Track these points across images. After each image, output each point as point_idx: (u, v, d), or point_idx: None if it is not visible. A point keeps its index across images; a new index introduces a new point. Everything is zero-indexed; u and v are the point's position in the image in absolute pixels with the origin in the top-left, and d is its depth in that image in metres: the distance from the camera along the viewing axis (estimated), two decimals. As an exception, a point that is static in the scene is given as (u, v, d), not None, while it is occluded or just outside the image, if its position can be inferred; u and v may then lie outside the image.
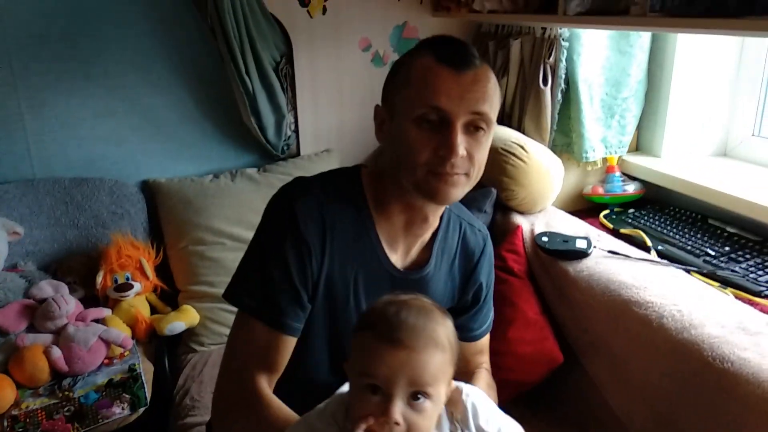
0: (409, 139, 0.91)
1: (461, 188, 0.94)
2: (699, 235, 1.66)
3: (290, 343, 0.99)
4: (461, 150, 0.90)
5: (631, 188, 1.98)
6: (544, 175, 1.80)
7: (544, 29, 1.89)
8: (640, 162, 2.00)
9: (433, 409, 0.80)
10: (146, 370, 1.69)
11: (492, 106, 0.93)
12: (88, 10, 1.93)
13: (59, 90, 1.97)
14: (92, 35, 1.95)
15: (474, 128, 0.92)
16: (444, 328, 0.81)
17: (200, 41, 2.00)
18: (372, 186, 1.03)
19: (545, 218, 1.80)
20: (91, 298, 1.88)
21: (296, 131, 2.21)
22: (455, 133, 0.89)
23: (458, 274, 1.12)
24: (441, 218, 1.08)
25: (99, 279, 1.86)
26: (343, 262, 1.00)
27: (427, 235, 1.07)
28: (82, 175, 2.04)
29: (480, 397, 0.90)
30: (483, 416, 0.88)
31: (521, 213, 1.83)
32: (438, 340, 0.79)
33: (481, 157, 0.94)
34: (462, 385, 0.89)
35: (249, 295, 0.98)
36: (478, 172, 0.95)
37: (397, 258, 1.05)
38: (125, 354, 1.74)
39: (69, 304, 1.73)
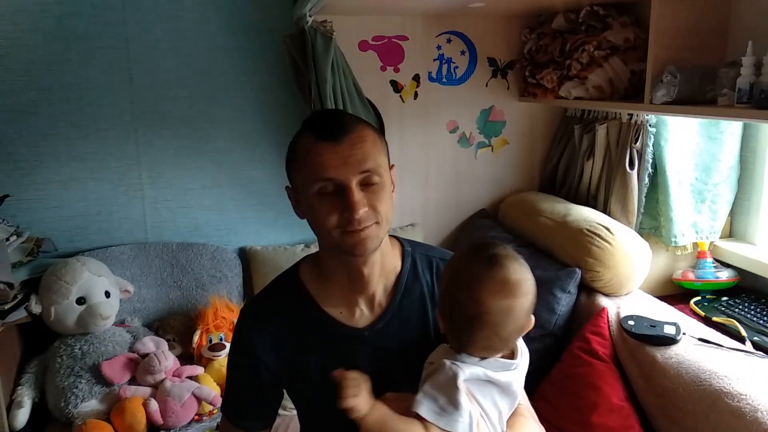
0: (317, 210, 1.00)
1: (375, 237, 1.02)
2: (799, 328, 1.58)
3: None
4: (362, 207, 0.98)
5: (725, 275, 1.92)
6: (630, 257, 1.79)
7: (630, 115, 1.93)
8: (734, 249, 1.94)
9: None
10: (232, 429, 1.77)
11: (376, 159, 1.01)
12: (207, 95, 2.18)
13: (175, 163, 2.20)
14: (208, 117, 2.19)
15: (367, 184, 1.00)
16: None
17: (301, 121, 2.17)
18: (311, 266, 1.14)
19: (632, 301, 1.77)
20: (186, 356, 2.01)
21: (384, 206, 2.32)
22: (352, 194, 0.98)
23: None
24: (403, 263, 1.13)
25: (195, 338, 1.99)
26: (295, 347, 1.10)
27: (380, 285, 1.10)
28: (187, 240, 2.22)
29: None
30: None
31: (606, 295, 1.81)
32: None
33: (384, 204, 1.02)
34: None
35: (224, 399, 1.22)
36: (386, 216, 1.03)
37: (358, 316, 1.10)
38: (214, 412, 1.83)
39: (168, 360, 1.85)
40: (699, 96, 1.48)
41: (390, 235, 1.13)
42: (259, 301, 1.19)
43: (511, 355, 1.02)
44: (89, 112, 2.10)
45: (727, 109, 1.34)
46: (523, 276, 0.97)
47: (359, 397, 0.93)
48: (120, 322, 2.03)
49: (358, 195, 0.98)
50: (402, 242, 1.17)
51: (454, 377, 0.94)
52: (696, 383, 1.36)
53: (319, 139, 1.00)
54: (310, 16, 1.90)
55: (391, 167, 1.09)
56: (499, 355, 1.00)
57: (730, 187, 1.96)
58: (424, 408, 0.94)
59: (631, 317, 1.63)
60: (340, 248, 1.02)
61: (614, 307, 1.73)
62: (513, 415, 1.07)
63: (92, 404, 1.77)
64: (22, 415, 1.73)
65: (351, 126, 1.02)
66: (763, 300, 1.78)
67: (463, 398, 0.94)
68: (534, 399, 1.65)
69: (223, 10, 2.14)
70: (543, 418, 1.61)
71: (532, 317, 1.01)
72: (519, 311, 0.96)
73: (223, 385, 1.87)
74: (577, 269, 1.83)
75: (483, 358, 0.98)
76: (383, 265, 1.10)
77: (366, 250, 1.02)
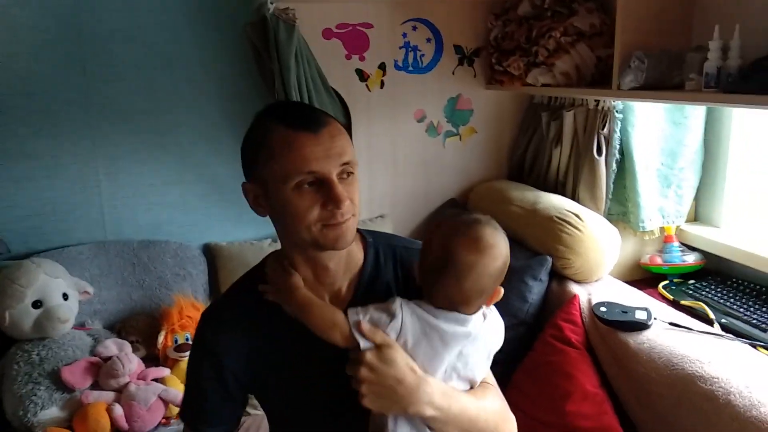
0: (294, 205, 0.95)
1: (353, 229, 1.00)
2: (765, 309, 1.60)
3: None
4: (346, 200, 0.95)
5: (691, 259, 1.94)
6: (600, 243, 1.79)
7: (597, 101, 1.93)
8: (700, 232, 1.96)
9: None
10: (202, 432, 1.72)
11: (351, 152, 0.99)
12: (166, 87, 2.10)
13: (135, 159, 2.12)
14: (168, 110, 2.11)
15: (346, 175, 0.98)
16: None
17: (265, 113, 2.12)
18: (274, 262, 1.08)
19: (602, 288, 1.78)
20: (151, 357, 1.94)
21: (352, 198, 2.28)
22: (336, 186, 0.94)
23: (413, 295, 1.10)
24: (366, 255, 1.10)
25: (160, 339, 1.93)
26: (262, 349, 1.06)
27: (345, 280, 1.08)
28: (149, 238, 2.14)
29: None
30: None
31: (577, 282, 1.82)
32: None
33: (357, 196, 1.00)
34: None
35: (184, 405, 1.17)
36: (358, 209, 1.01)
37: None
38: (182, 414, 1.77)
39: (132, 363, 1.79)
40: (666, 81, 1.49)
41: None
42: (222, 304, 1.13)
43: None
44: (41, 107, 2.00)
45: (695, 94, 1.35)
46: (496, 242, 0.98)
47: (293, 276, 1.00)
48: (80, 325, 1.95)
49: (340, 187, 0.95)
50: (363, 234, 1.13)
51: (396, 300, 0.99)
52: (668, 367, 1.37)
53: (297, 131, 0.94)
54: (271, 3, 1.85)
55: None
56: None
57: (695, 171, 1.98)
58: (354, 311, 0.98)
59: (602, 304, 1.63)
60: (318, 243, 0.98)
61: (585, 294, 1.74)
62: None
63: (53, 412, 1.70)
64: (-22, 426, 1.65)
65: (325, 118, 0.99)
66: (729, 282, 1.81)
67: (398, 310, 0.97)
68: (507, 388, 1.65)
69: (182, -2, 2.06)
70: (517, 408, 1.59)
71: (500, 290, 1.01)
72: (483, 271, 0.96)
73: (191, 387, 1.85)
74: (548, 257, 1.83)
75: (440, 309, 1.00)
76: (348, 260, 1.07)
77: (346, 243, 0.99)
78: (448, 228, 0.99)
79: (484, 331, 1.02)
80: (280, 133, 0.95)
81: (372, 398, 0.95)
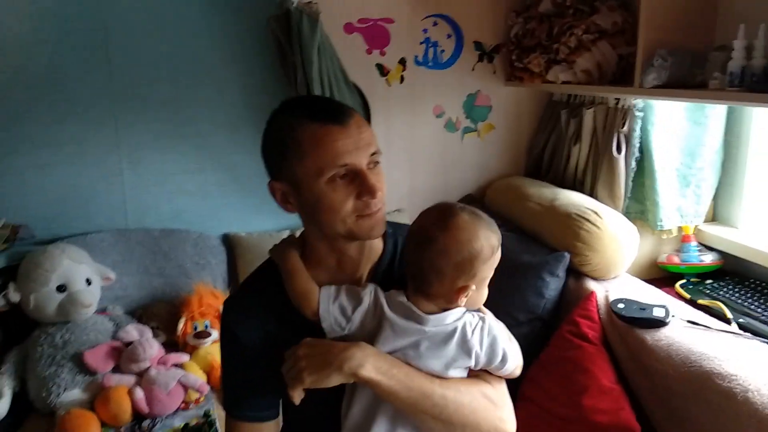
0: (330, 198, 0.96)
1: (384, 219, 1.02)
2: (783, 310, 1.61)
3: (255, 428, 1.11)
4: (379, 190, 0.96)
5: (708, 259, 1.94)
6: (618, 241, 1.79)
7: (617, 99, 1.93)
8: (718, 232, 1.96)
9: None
10: (220, 417, 1.74)
11: (376, 141, 1.00)
12: (189, 78, 2.13)
13: (156, 148, 2.15)
14: (191, 100, 2.14)
15: (373, 164, 0.99)
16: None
17: (286, 106, 2.15)
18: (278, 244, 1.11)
19: (620, 285, 1.78)
20: (171, 343, 1.97)
21: (370, 191, 2.30)
22: (368, 177, 0.96)
23: None
24: (385, 245, 1.11)
25: (180, 325, 1.96)
26: (281, 335, 1.05)
27: (366, 268, 1.09)
28: (170, 227, 2.17)
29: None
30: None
31: (595, 279, 1.82)
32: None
33: (384, 185, 1.00)
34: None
35: (223, 394, 1.15)
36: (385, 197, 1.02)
37: None
38: (200, 399, 1.81)
39: (152, 348, 1.82)
40: (689, 80, 1.49)
41: None
42: (242, 292, 1.16)
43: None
44: (66, 94, 2.03)
45: (719, 92, 1.35)
46: (465, 228, 0.97)
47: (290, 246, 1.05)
48: (101, 310, 1.99)
49: (373, 178, 0.96)
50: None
51: (368, 287, 1.01)
52: (686, 365, 1.38)
53: (325, 124, 0.95)
54: (296, -4, 1.87)
55: None
56: (426, 305, 0.99)
57: (714, 171, 1.97)
58: (327, 289, 1.01)
59: (620, 300, 1.64)
60: (353, 234, 0.99)
61: (603, 291, 1.74)
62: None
63: (75, 393, 1.74)
64: (3, 406, 1.70)
65: (348, 109, 1.00)
66: (747, 283, 1.80)
67: (367, 296, 0.99)
68: (524, 382, 1.66)
69: (207, -10, 2.09)
70: (534, 401, 1.63)
71: (480, 294, 1.00)
72: (441, 249, 0.95)
73: (210, 372, 1.87)
74: (566, 253, 1.83)
75: (407, 298, 0.99)
76: (369, 249, 1.09)
77: (380, 232, 1.01)
78: (434, 209, 1.01)
79: (451, 342, 0.98)
80: (307, 128, 0.95)
81: (308, 372, 0.95)
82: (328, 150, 0.94)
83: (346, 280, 1.07)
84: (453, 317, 0.99)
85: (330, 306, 1.00)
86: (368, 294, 1.00)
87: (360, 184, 0.96)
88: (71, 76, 2.02)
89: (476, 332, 0.99)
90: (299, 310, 1.01)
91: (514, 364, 1.03)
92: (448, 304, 0.99)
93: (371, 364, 0.95)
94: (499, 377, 1.05)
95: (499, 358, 1.00)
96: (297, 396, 0.96)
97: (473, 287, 0.98)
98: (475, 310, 1.03)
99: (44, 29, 1.97)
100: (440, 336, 0.98)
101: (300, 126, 0.96)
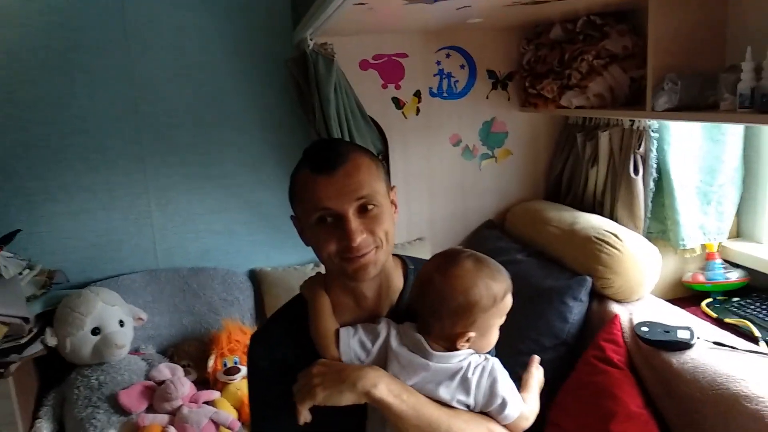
0: (318, 238, 1.03)
1: (375, 262, 1.03)
2: (813, 326, 1.58)
3: None
4: (359, 235, 0.99)
5: (734, 276, 1.92)
6: (640, 263, 1.79)
7: (632, 121, 1.94)
8: (742, 249, 1.95)
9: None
10: (252, 453, 1.77)
11: (372, 186, 1.03)
12: (212, 121, 2.22)
13: (183, 189, 2.22)
14: (214, 142, 2.22)
15: (365, 209, 1.02)
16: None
17: (305, 142, 2.20)
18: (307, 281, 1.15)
19: (644, 307, 1.77)
20: (202, 381, 2.01)
21: (391, 222, 2.34)
22: (349, 222, 0.99)
23: None
24: (406, 281, 1.14)
25: (210, 362, 2.00)
26: (296, 364, 1.07)
27: (385, 306, 1.11)
28: (198, 265, 2.23)
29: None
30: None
31: (618, 302, 1.82)
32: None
33: (384, 227, 1.03)
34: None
35: (253, 427, 1.17)
36: (386, 239, 1.03)
37: None
38: (232, 436, 1.83)
39: (184, 387, 1.86)
40: (700, 101, 1.50)
41: (393, 254, 1.14)
42: (269, 326, 1.21)
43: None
44: (97, 143, 2.13)
45: (730, 114, 1.35)
46: (465, 275, 1.00)
47: (319, 288, 1.08)
48: (135, 350, 2.04)
49: (354, 223, 1.00)
50: (404, 260, 1.18)
51: (382, 321, 1.05)
52: (713, 387, 1.36)
53: (314, 173, 1.02)
54: (311, 39, 1.93)
55: (392, 188, 1.11)
56: (432, 344, 1.01)
57: (736, 187, 1.97)
58: (345, 330, 1.05)
59: (644, 323, 1.63)
60: (341, 273, 1.05)
61: (626, 314, 1.74)
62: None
63: (111, 434, 1.78)
64: (43, 449, 1.74)
65: (345, 156, 1.04)
66: (775, 299, 1.78)
67: (382, 330, 1.04)
68: (551, 408, 1.66)
69: (226, 37, 2.18)
70: (561, 428, 1.62)
71: (485, 340, 1.02)
72: (437, 290, 0.99)
73: (240, 408, 1.91)
74: (588, 277, 1.83)
75: (416, 332, 1.02)
76: (388, 286, 1.12)
77: (367, 275, 1.04)
78: (445, 255, 1.04)
79: (454, 379, 1.00)
80: (303, 176, 1.04)
81: (322, 387, 0.98)
82: (313, 195, 1.01)
83: (365, 318, 1.10)
84: (458, 357, 1.01)
85: (350, 341, 1.03)
86: (383, 328, 1.04)
87: (341, 228, 1.00)
88: (101, 125, 2.12)
89: (477, 371, 1.01)
90: (319, 352, 1.04)
91: (517, 412, 1.02)
92: (450, 347, 1.01)
93: (385, 385, 0.98)
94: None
95: (498, 401, 1.00)
96: (303, 415, 0.99)
97: (472, 334, 1.00)
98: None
99: (75, 82, 2.08)
100: (444, 373, 1.01)
101: (300, 172, 1.05)
